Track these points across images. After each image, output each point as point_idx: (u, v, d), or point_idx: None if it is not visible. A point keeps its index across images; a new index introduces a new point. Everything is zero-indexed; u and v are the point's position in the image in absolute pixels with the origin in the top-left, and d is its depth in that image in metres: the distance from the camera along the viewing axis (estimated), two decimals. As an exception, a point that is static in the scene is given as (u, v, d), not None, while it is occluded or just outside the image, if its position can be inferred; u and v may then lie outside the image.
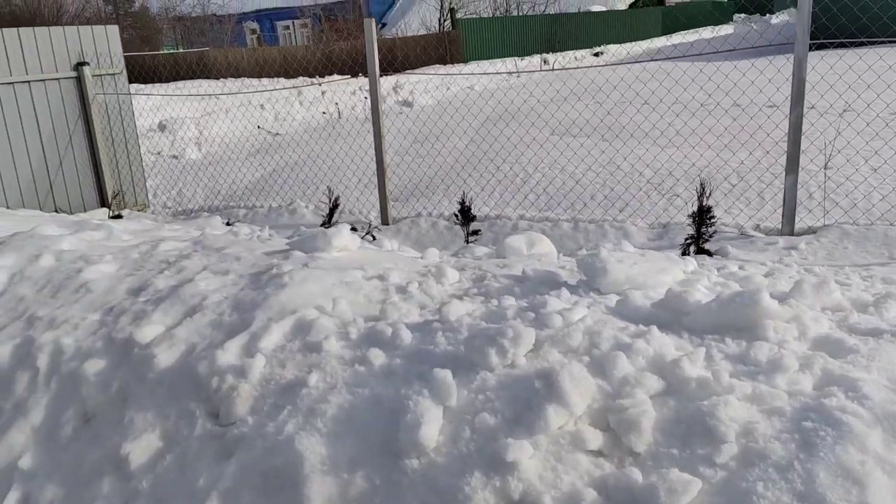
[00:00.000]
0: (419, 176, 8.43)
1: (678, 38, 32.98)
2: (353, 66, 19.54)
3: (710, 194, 4.86)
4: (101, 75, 7.84)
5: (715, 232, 4.86)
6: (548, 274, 3.12)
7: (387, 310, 2.80)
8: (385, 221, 6.29)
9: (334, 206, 5.90)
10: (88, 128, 7.85)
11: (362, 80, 15.18)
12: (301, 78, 18.90)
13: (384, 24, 31.70)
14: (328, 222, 5.96)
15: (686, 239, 4.87)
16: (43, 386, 2.80)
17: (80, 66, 7.66)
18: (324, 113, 13.46)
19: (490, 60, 23.70)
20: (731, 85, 8.61)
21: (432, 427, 2.03)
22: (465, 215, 5.25)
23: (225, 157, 11.13)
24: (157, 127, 11.73)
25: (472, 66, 21.79)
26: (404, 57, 22.60)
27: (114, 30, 8.00)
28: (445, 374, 2.17)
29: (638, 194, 6.75)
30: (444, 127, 9.94)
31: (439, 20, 27.70)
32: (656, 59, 11.06)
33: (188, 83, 15.52)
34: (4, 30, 7.08)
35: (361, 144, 9.67)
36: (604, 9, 33.72)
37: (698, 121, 8.80)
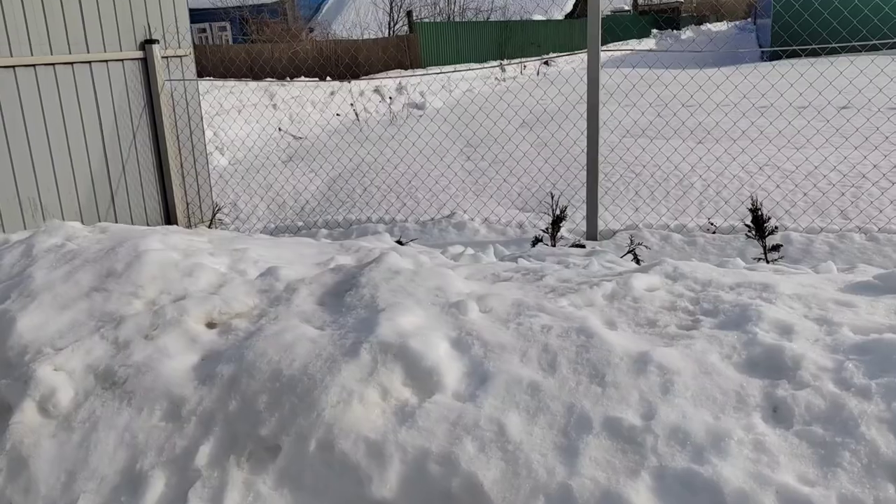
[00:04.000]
0: (538, 182, 7.29)
1: (612, 48, 33.32)
2: (317, 69, 18.04)
3: None
4: (169, 57, 6.23)
5: None
6: None
7: None
8: (592, 236, 5.13)
9: (559, 218, 4.67)
10: (154, 123, 6.21)
11: (368, 83, 13.84)
12: (268, 80, 17.20)
13: (312, 30, 30.06)
14: (553, 238, 4.72)
15: None
16: None
17: (147, 44, 6.03)
18: (337, 115, 12.01)
19: (449, 66, 22.78)
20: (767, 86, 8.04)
21: None
22: (760, 226, 4.20)
23: (257, 163, 9.52)
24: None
25: (432, 71, 20.82)
26: (366, 60, 21.29)
27: (182, 2, 6.39)
28: None
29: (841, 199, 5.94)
30: (506, 128, 8.89)
31: (389, 24, 26.48)
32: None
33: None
34: (63, -7, 5.39)
35: (413, 147, 8.51)
36: (543, 18, 33.67)
37: (767, 121, 8.27)
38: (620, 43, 37.71)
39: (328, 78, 16.99)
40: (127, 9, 5.86)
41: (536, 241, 4.82)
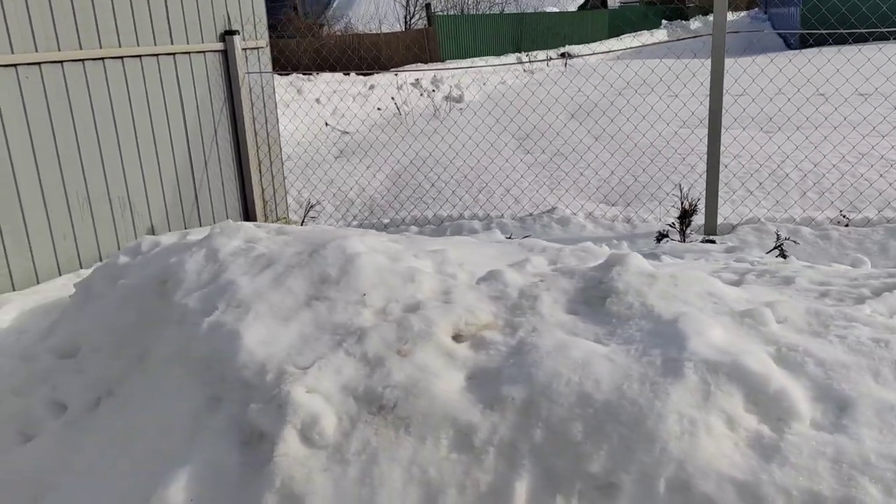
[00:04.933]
0: (608, 175, 7.04)
1: (628, 39, 33.31)
2: (343, 61, 17.76)
3: None
4: (248, 49, 5.97)
5: None
6: None
7: None
8: (711, 230, 4.88)
9: (688, 212, 4.42)
10: (233, 117, 5.95)
11: (408, 75, 13.60)
12: (295, 74, 16.95)
13: (322, 25, 29.71)
14: (682, 233, 4.48)
15: None
16: None
17: (227, 35, 5.77)
18: (378, 109, 11.75)
19: (468, 59, 22.57)
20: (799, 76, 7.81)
21: None
22: None
23: (307, 158, 9.26)
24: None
25: (451, 64, 20.60)
26: (388, 56, 21.07)
27: (259, -9, 6.12)
28: None
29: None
30: (554, 122, 8.67)
31: (405, 17, 26.18)
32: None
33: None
34: (148, -19, 5.12)
35: (470, 140, 8.26)
36: (556, 10, 33.42)
37: (832, 106, 8.02)
38: (635, 34, 37.52)
39: (352, 73, 16.74)
40: (208, -2, 5.60)
41: (662, 236, 4.57)
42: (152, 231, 5.34)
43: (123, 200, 5.11)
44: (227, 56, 5.82)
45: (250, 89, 6.03)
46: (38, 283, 4.58)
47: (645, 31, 39.57)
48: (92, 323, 2.68)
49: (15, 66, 4.36)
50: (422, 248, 2.51)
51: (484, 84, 14.54)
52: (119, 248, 5.04)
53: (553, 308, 2.04)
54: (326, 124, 10.31)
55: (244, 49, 5.91)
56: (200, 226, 5.73)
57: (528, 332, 1.94)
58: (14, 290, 4.47)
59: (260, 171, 6.20)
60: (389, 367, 1.87)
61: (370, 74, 16.00)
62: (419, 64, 22.25)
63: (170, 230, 5.46)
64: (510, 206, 6.61)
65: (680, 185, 4.93)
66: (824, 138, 7.34)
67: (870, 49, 7.34)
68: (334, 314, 2.07)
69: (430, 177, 8.14)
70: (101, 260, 4.95)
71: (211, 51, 5.69)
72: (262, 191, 6.25)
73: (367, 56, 18.96)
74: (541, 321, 1.97)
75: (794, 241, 4.30)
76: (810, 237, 4.80)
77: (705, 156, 7.41)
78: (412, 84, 13.11)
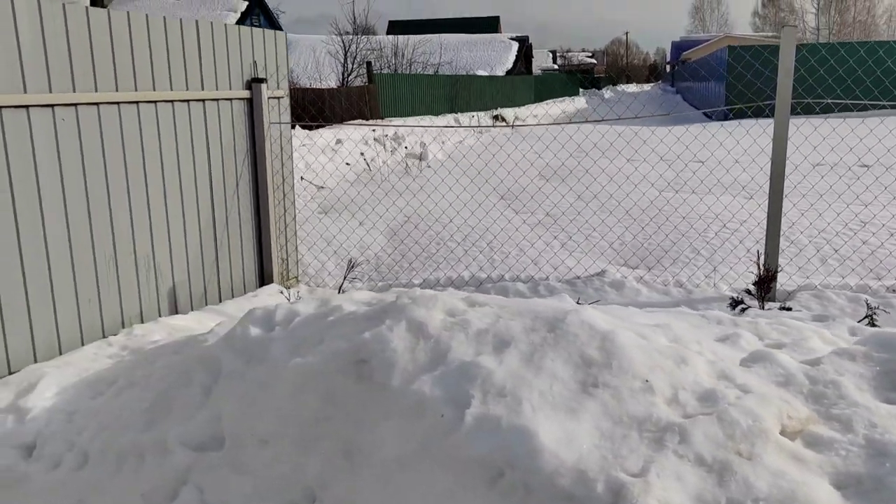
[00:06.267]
0: (615, 236, 6.98)
1: (549, 104, 34.52)
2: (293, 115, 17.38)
3: None
4: (271, 98, 5.60)
5: None
6: None
7: None
8: (772, 297, 4.82)
9: (769, 278, 4.32)
10: (255, 170, 5.53)
11: (363, 131, 13.36)
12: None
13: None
14: (762, 300, 4.36)
15: None
16: None
17: (254, 82, 5.39)
18: (347, 164, 11.43)
19: (405, 118, 22.68)
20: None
21: None
22: None
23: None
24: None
25: (396, 121, 20.64)
26: (331, 110, 20.86)
27: (282, 37, 5.80)
28: None
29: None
30: (528, 183, 8.69)
31: (343, 74, 26.14)
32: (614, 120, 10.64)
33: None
34: (182, 21, 4.72)
35: (457, 199, 8.14)
36: (486, 74, 34.32)
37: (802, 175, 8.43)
38: (558, 99, 39.03)
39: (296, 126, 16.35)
40: (236, 43, 5.23)
41: (736, 302, 4.45)
42: (174, 294, 4.79)
43: (149, 259, 4.57)
44: (252, 104, 5.43)
45: (275, 140, 5.63)
46: (60, 353, 3.97)
47: (566, 98, 41.21)
48: (242, 409, 2.23)
49: (52, 106, 3.85)
50: (633, 321, 2.23)
51: (444, 143, 14.49)
52: (141, 314, 4.48)
53: (862, 395, 1.81)
54: (302, 178, 9.88)
55: (269, 98, 5.53)
56: (220, 289, 5.21)
57: (866, 427, 1.69)
58: (36, 361, 3.84)
59: (279, 228, 5.76)
60: (742, 473, 1.56)
61: (320, 126, 15.65)
62: (360, 119, 22.11)
63: (191, 293, 4.93)
64: (527, 268, 6.40)
65: (758, 252, 4.84)
66: (811, 206, 7.58)
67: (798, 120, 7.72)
68: (624, 404, 1.75)
69: (430, 235, 7.86)
70: (123, 326, 4.37)
71: (238, 98, 5.29)
72: (281, 248, 5.80)
73: (311, 108, 18.65)
74: (868, 413, 1.73)
75: (885, 311, 4.27)
76: (873, 304, 4.79)
77: (710, 219, 7.51)
78: (376, 140, 12.87)
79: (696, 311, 4.72)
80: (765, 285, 4.33)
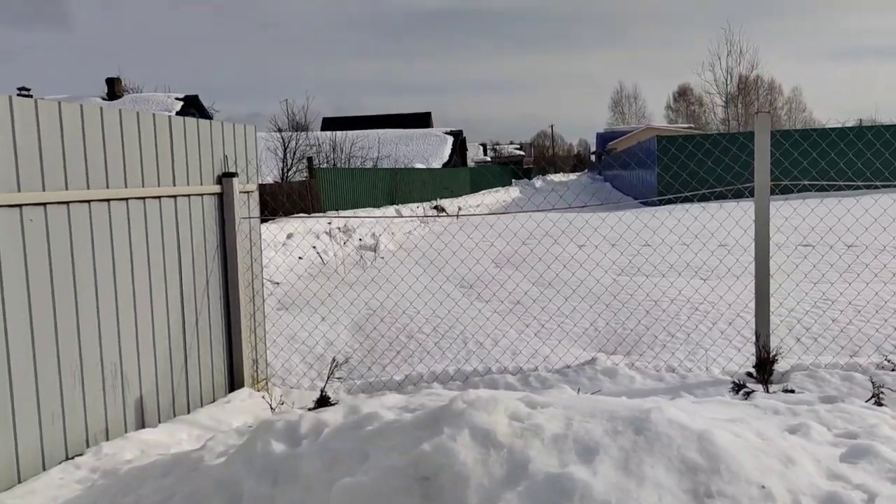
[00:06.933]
0: (587, 321, 6.91)
1: (485, 194, 35.30)
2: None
3: None
4: (243, 193, 5.41)
5: None
6: None
7: None
8: (769, 379, 4.76)
9: (769, 361, 4.26)
10: (225, 268, 5.26)
11: (318, 223, 13.20)
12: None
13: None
14: (765, 384, 4.28)
15: None
16: None
17: (224, 177, 5.20)
18: (300, 258, 11.18)
19: (348, 210, 22.73)
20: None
21: None
22: None
23: (250, 312, 8.41)
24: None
25: (332, 215, 20.71)
26: (274, 204, 20.71)
27: (252, 131, 5.66)
28: None
29: None
30: (481, 270, 8.69)
31: (283, 169, 26.15)
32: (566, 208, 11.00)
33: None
34: (155, 115, 4.53)
35: (424, 290, 8.01)
36: (423, 166, 34.96)
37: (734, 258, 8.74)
38: (493, 189, 39.97)
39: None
40: (208, 137, 5.06)
41: (739, 387, 4.36)
42: (141, 405, 4.39)
43: (115, 367, 4.18)
44: (222, 199, 5.21)
45: (244, 236, 5.39)
46: (19, 480, 3.51)
47: (501, 188, 42.23)
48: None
49: (20, 206, 3.55)
50: (702, 415, 2.07)
51: (393, 234, 14.42)
52: (106, 429, 4.07)
53: None
54: (256, 275, 9.53)
55: (240, 192, 5.33)
56: (188, 396, 4.82)
57: None
58: (-8, 492, 3.38)
59: (251, 327, 5.43)
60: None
61: (265, 220, 15.42)
62: (302, 213, 21.97)
63: (158, 403, 4.53)
64: (505, 357, 6.22)
65: (758, 333, 4.79)
66: (779, 285, 7.72)
67: (730, 205, 8.06)
68: (743, 513, 1.57)
69: (397, 327, 7.61)
70: (88, 444, 3.94)
71: (208, 193, 5.07)
72: (252, 350, 5.45)
73: (270, 203, 18.46)
74: None
75: (891, 390, 4.24)
76: (865, 382, 4.78)
77: (682, 302, 7.53)
78: (326, 233, 12.69)
79: (694, 396, 4.61)
80: (766, 368, 4.26)
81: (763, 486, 1.66)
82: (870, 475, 1.77)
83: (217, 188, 5.14)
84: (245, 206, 5.46)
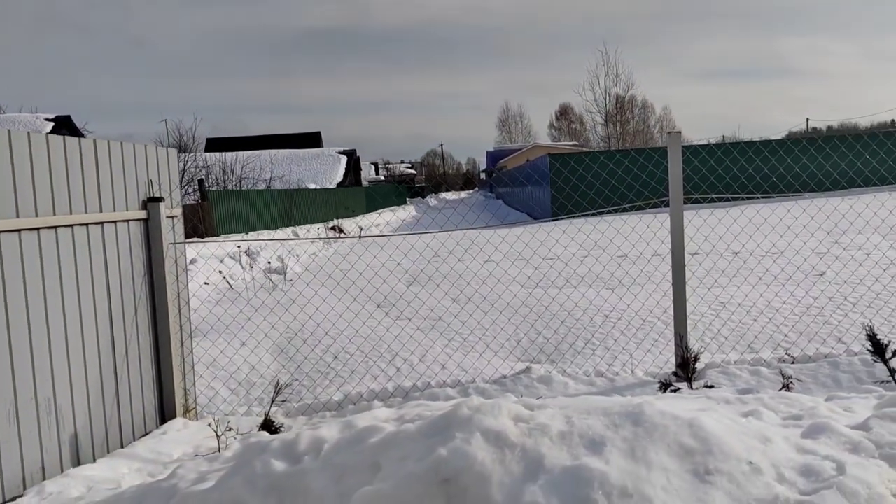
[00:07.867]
0: (508, 330, 7.19)
1: (381, 213, 35.42)
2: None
3: None
4: (169, 218, 5.29)
5: None
6: None
7: None
8: (693, 377, 5.14)
9: (692, 360, 4.63)
10: (153, 295, 5.12)
11: (220, 247, 12.87)
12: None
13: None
14: (689, 381, 4.64)
15: None
16: None
17: (150, 202, 5.08)
18: (206, 283, 10.89)
19: (243, 234, 22.24)
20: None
21: None
22: (881, 350, 4.57)
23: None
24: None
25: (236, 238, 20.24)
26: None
27: (174, 154, 5.55)
28: None
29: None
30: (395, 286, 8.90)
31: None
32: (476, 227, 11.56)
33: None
34: (81, 141, 4.40)
35: (345, 312, 8.09)
36: (317, 186, 34.64)
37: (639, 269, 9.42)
38: (389, 208, 40.08)
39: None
40: (132, 160, 4.93)
41: (665, 386, 4.69)
42: (76, 441, 4.20)
43: (49, 403, 4.00)
44: (148, 224, 5.07)
45: (172, 262, 5.26)
46: (-44, 529, 3.29)
47: (397, 207, 42.40)
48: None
49: (-50, 235, 3.36)
50: (679, 407, 2.28)
51: (298, 256, 14.25)
52: (43, 468, 3.89)
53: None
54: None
55: (167, 217, 5.21)
56: (121, 430, 4.65)
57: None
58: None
59: (181, 356, 5.29)
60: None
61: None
62: (194, 237, 21.23)
63: (92, 438, 4.35)
64: (438, 372, 6.35)
65: (680, 335, 5.15)
66: (694, 291, 8.27)
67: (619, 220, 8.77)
68: (744, 488, 1.76)
69: (321, 348, 7.57)
70: (25, 485, 3.74)
71: (134, 219, 4.93)
72: (182, 378, 5.31)
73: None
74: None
75: (798, 380, 4.68)
76: (770, 375, 5.25)
77: (593, 311, 7.91)
78: (230, 256, 12.39)
79: (624, 397, 4.90)
80: (690, 367, 4.61)
81: (751, 462, 1.88)
82: (832, 448, 2.03)
83: (143, 213, 5.00)
84: (171, 232, 5.33)
